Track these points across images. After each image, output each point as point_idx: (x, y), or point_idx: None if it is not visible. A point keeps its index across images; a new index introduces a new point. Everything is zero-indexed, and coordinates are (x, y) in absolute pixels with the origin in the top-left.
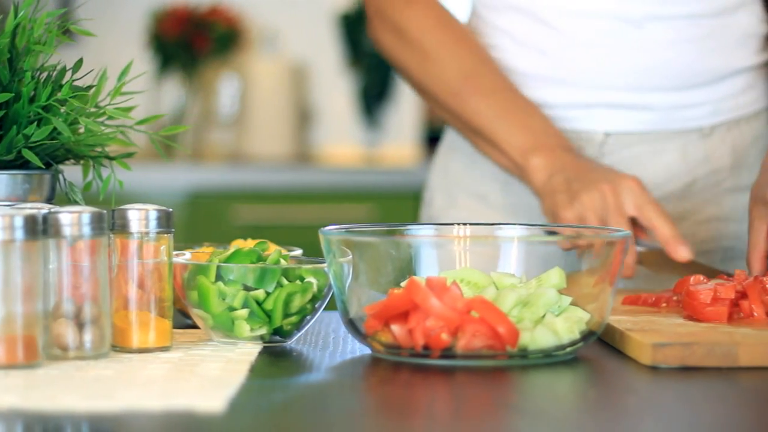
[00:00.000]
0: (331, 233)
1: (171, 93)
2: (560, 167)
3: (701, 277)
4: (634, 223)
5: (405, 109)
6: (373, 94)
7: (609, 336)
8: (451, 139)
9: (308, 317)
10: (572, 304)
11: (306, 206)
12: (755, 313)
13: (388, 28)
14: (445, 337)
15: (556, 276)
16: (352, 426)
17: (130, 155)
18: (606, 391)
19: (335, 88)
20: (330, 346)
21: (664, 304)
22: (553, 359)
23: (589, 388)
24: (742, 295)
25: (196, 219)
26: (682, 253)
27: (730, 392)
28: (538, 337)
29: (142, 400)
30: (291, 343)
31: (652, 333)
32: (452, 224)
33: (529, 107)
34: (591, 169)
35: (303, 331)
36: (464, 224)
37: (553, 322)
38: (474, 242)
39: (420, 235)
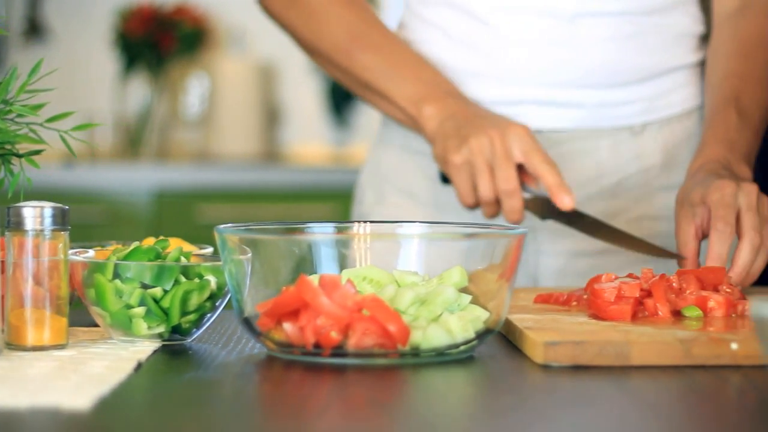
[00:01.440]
0: (224, 231)
1: (137, 92)
2: (451, 114)
3: (612, 276)
4: (521, 169)
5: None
6: (341, 93)
7: (511, 334)
8: (382, 135)
9: (208, 315)
10: (473, 302)
11: (273, 205)
12: (660, 312)
13: None
14: (334, 335)
15: (457, 274)
16: (224, 424)
17: (38, 152)
18: (494, 390)
19: (303, 87)
20: (230, 344)
21: (574, 303)
22: (446, 358)
23: (479, 387)
24: (648, 293)
25: (162, 218)
26: (566, 201)
27: (617, 392)
28: (430, 336)
29: (14, 398)
30: (191, 341)
31: (547, 331)
32: (353, 222)
33: (418, 60)
34: (481, 115)
35: (203, 329)
36: (366, 222)
37: (448, 320)
38: (372, 240)
39: (312, 233)
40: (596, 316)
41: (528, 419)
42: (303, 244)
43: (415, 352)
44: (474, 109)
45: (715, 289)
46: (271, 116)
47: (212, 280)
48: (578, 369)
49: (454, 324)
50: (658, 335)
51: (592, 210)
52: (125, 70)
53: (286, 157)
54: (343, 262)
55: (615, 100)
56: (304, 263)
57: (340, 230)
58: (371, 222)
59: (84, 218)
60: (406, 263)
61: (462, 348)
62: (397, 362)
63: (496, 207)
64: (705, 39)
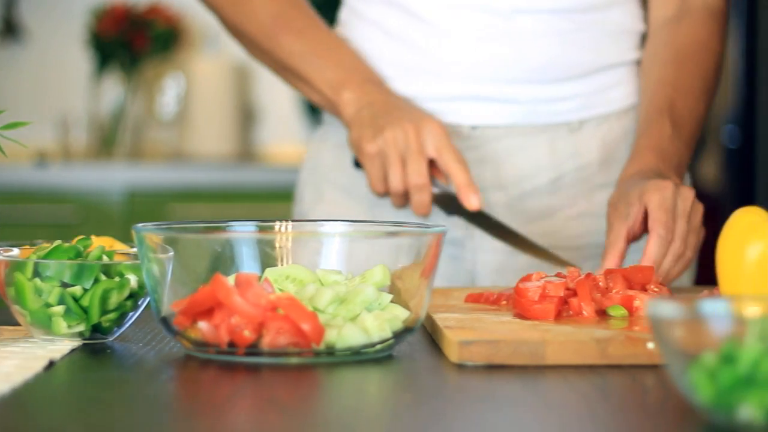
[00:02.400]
0: (142, 230)
1: (111, 92)
2: (369, 102)
3: (543, 274)
4: (432, 164)
5: None
6: None
7: (434, 333)
8: (321, 133)
9: (130, 314)
10: (395, 301)
11: (248, 205)
12: (585, 312)
13: None
14: (247, 334)
15: (379, 273)
16: (130, 423)
17: None
18: (405, 389)
19: (278, 87)
20: (152, 343)
21: (504, 302)
22: (362, 357)
23: (390, 386)
24: (573, 293)
25: (135, 218)
26: (473, 201)
27: (524, 391)
28: (346, 335)
29: None
30: (112, 340)
31: (465, 330)
32: (274, 221)
33: (340, 44)
34: (399, 106)
35: (125, 328)
36: (287, 221)
37: (364, 319)
38: (294, 239)
39: (228, 232)
40: (521, 316)
41: (434, 418)
42: (220, 244)
43: (330, 351)
44: (392, 99)
45: (643, 289)
46: (246, 116)
47: (132, 278)
48: (493, 368)
49: (370, 323)
50: (575, 335)
51: (531, 206)
52: (98, 69)
53: (261, 156)
54: (266, 261)
55: (552, 96)
56: (226, 262)
57: (261, 229)
58: (294, 221)
59: (56, 218)
60: (328, 262)
61: (378, 347)
62: (312, 361)
63: (404, 199)
64: (645, 38)
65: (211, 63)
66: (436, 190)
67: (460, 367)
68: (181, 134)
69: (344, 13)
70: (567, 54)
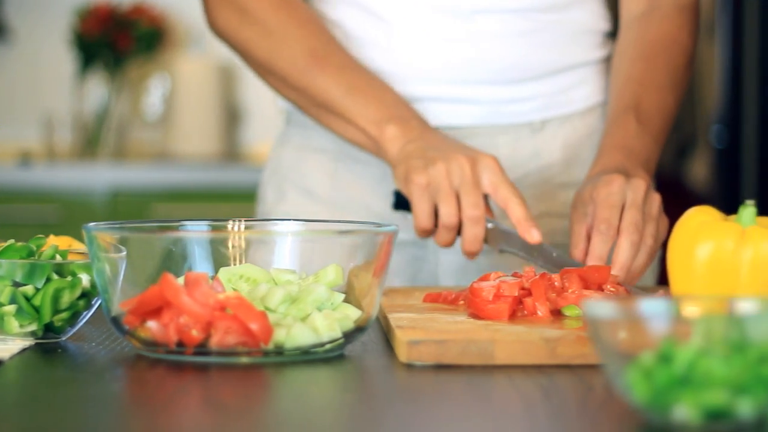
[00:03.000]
0: (92, 229)
1: (95, 91)
2: (416, 136)
3: (501, 274)
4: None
5: None
6: None
7: (388, 333)
8: (283, 134)
9: (83, 313)
10: (348, 300)
11: (232, 205)
12: (539, 312)
13: (229, 9)
14: (195, 333)
15: (332, 272)
16: (75, 423)
17: None
18: (353, 389)
19: (263, 87)
20: (105, 342)
21: (461, 302)
22: (312, 356)
23: (339, 386)
24: (528, 292)
25: (119, 218)
26: (533, 235)
27: (466, 391)
28: (295, 335)
29: None
30: (65, 339)
31: (416, 330)
32: (228, 221)
33: (379, 82)
34: (448, 141)
35: (78, 327)
36: (241, 220)
37: (314, 319)
38: (247, 239)
39: (178, 232)
40: (475, 315)
41: (377, 419)
42: (171, 243)
43: (279, 350)
44: (441, 136)
45: (600, 288)
46: (231, 116)
47: (85, 278)
48: (441, 368)
49: (320, 322)
50: (526, 334)
51: (492, 206)
52: (82, 69)
53: (246, 157)
54: (220, 261)
55: (514, 96)
56: (178, 262)
57: (214, 229)
58: (247, 220)
59: (40, 218)
60: (282, 261)
61: (328, 347)
62: (261, 361)
63: (454, 234)
64: (611, 36)
65: (195, 63)
66: (489, 226)
67: (409, 366)
68: (165, 134)
69: None
70: (528, 54)
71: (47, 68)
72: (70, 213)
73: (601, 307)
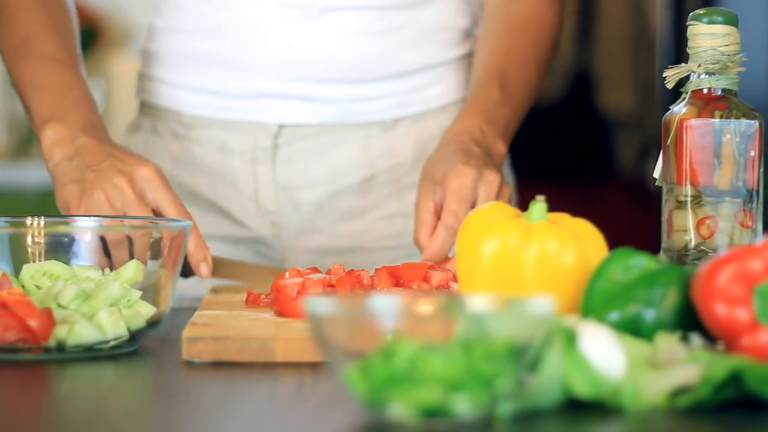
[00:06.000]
0: None
1: None
2: (72, 151)
3: (309, 270)
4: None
5: None
6: None
7: None
8: (133, 120)
9: None
10: (146, 298)
11: None
12: None
13: None
14: None
15: (131, 269)
16: None
17: None
18: (125, 386)
19: None
20: None
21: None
22: (96, 354)
23: (114, 384)
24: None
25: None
26: (202, 270)
27: (223, 390)
28: (78, 332)
29: None
30: None
31: (204, 327)
32: (27, 216)
33: (72, 81)
34: (109, 154)
35: None
36: (40, 216)
37: (98, 316)
38: (46, 235)
39: None
40: (280, 313)
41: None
42: None
43: (61, 347)
44: (105, 147)
45: (408, 286)
46: None
47: None
48: (221, 365)
49: (104, 319)
50: (302, 330)
51: (341, 206)
52: None
53: None
54: (21, 257)
55: (365, 96)
56: None
57: (13, 225)
58: (48, 216)
59: None
60: (84, 258)
61: (113, 343)
62: (43, 358)
63: None
64: (469, 34)
65: (132, 63)
66: None
67: (189, 364)
68: None
69: (160, 2)
70: (382, 53)
71: None
72: (2, 212)
73: (320, 303)
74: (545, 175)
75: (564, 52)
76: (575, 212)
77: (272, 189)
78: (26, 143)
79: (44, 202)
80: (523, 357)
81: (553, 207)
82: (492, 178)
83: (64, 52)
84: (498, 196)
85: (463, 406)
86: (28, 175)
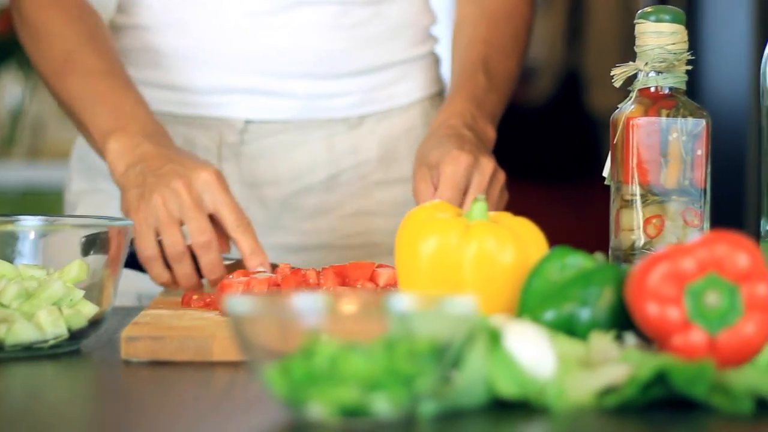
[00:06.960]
0: None
1: (9, 90)
2: (136, 158)
3: (249, 272)
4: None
5: None
6: None
7: None
8: None
9: None
10: (89, 297)
11: None
12: None
13: (14, 11)
14: None
15: (75, 268)
16: None
17: None
18: (65, 386)
19: None
20: None
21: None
22: (35, 353)
23: (53, 384)
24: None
25: None
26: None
27: (157, 388)
28: (16, 331)
29: None
30: None
31: (143, 326)
32: None
33: (124, 90)
34: (169, 159)
35: None
36: None
37: (38, 315)
38: None
39: None
40: (224, 313)
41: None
42: None
43: (0, 346)
44: (166, 152)
45: (353, 285)
46: None
47: None
48: (158, 365)
49: (44, 319)
50: None
51: (306, 204)
52: None
53: None
54: None
55: (331, 92)
56: None
57: None
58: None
59: None
60: (27, 257)
61: (51, 342)
62: None
63: (188, 265)
64: (431, 33)
65: None
66: (227, 263)
67: (126, 363)
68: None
69: (123, 2)
70: (347, 49)
71: None
72: None
73: (241, 302)
74: (534, 175)
75: (553, 52)
76: (564, 212)
77: (238, 186)
78: (7, 143)
79: (25, 202)
80: (445, 356)
81: (543, 207)
82: (486, 164)
83: (108, 63)
84: (491, 182)
85: (383, 405)
86: (8, 174)
